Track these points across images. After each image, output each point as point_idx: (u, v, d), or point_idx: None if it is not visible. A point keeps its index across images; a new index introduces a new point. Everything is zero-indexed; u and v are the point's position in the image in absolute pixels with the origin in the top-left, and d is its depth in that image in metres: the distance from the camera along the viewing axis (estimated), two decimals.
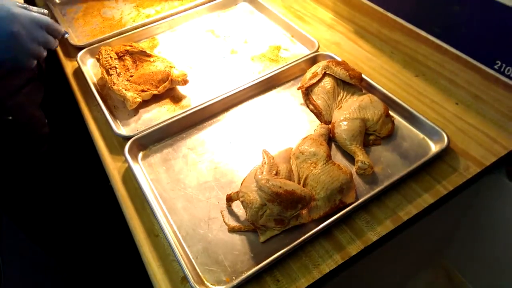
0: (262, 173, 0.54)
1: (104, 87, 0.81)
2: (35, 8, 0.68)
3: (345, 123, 0.65)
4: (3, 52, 0.63)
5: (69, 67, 0.87)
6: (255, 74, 0.82)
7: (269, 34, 0.93)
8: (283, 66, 0.79)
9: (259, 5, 1.00)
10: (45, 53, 0.69)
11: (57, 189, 0.86)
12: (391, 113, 0.68)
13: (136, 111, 0.76)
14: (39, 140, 0.79)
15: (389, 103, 0.70)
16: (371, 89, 0.74)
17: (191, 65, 0.86)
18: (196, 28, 0.97)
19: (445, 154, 0.62)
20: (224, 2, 1.02)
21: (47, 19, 0.68)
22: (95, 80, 0.82)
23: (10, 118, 0.71)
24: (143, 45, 0.92)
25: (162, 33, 0.96)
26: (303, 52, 0.87)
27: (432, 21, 0.68)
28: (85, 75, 0.81)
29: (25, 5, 0.67)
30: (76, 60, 0.85)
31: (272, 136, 0.70)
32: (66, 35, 0.76)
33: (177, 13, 0.97)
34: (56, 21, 0.96)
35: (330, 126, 0.67)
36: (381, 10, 0.78)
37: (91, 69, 0.86)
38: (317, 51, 0.82)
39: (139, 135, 0.68)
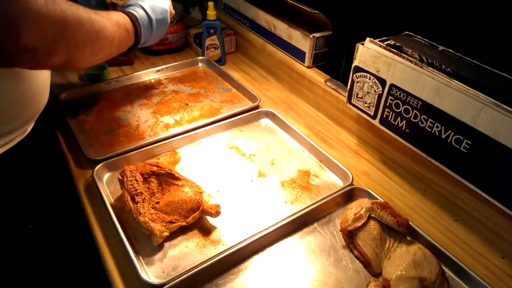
0: None
1: (122, 211, 0.72)
2: None
3: (402, 283, 0.60)
4: None
5: (81, 182, 0.79)
6: (287, 204, 0.77)
7: (295, 156, 0.90)
8: (319, 201, 0.75)
9: (281, 122, 0.99)
10: None
11: None
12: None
13: (161, 245, 0.67)
14: (49, 166, 0.79)
15: (436, 253, 0.66)
16: (414, 234, 0.70)
17: (218, 187, 0.80)
18: (219, 143, 0.93)
19: None
20: (246, 118, 1.00)
21: None
22: (112, 201, 0.74)
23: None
24: (164, 159, 0.86)
25: (183, 146, 0.91)
26: (334, 179, 0.84)
27: (476, 173, 0.68)
28: (102, 194, 0.73)
29: None
30: (92, 176, 0.77)
31: (318, 286, 0.63)
32: None
33: (198, 128, 0.94)
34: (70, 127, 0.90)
35: (383, 282, 0.62)
36: (417, 150, 0.77)
37: (107, 187, 0.78)
38: (351, 184, 0.80)
39: (169, 284, 0.59)
